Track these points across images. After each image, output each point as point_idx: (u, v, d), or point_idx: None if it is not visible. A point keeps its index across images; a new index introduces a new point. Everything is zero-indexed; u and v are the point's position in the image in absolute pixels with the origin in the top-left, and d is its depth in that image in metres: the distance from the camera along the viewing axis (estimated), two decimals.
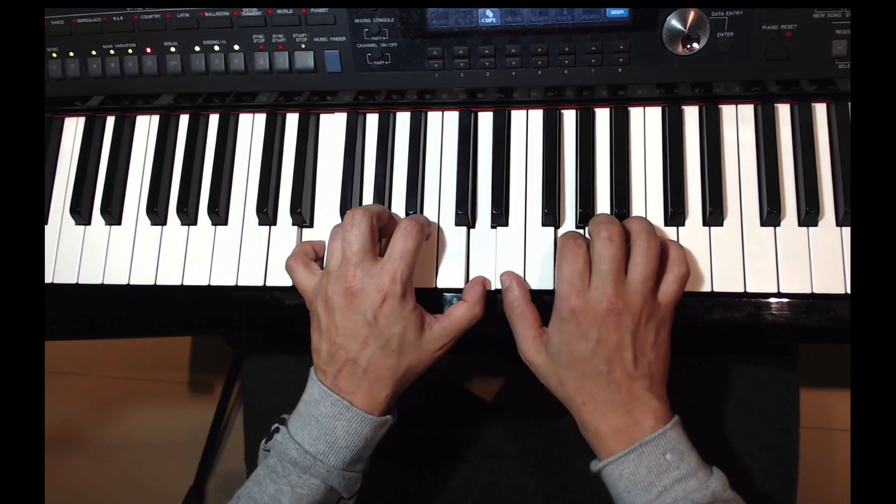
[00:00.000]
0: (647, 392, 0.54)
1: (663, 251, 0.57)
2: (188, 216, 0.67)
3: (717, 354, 0.74)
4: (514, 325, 0.59)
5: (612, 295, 0.53)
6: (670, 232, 0.62)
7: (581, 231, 0.62)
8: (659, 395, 0.55)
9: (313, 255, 0.62)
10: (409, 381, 0.59)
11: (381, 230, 0.60)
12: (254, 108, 0.69)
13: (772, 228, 0.61)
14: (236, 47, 0.64)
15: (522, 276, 0.62)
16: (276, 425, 0.59)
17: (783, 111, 0.64)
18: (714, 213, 0.61)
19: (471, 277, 0.62)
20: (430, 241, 0.63)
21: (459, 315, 0.59)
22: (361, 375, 0.56)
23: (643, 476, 0.52)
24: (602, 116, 0.65)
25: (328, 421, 0.55)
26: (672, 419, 0.54)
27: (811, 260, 0.60)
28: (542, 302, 0.59)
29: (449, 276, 0.63)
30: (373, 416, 0.56)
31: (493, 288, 0.62)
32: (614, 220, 0.56)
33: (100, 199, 0.68)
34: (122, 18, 0.64)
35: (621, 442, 0.53)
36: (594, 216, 0.58)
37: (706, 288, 0.60)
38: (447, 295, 0.63)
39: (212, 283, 0.65)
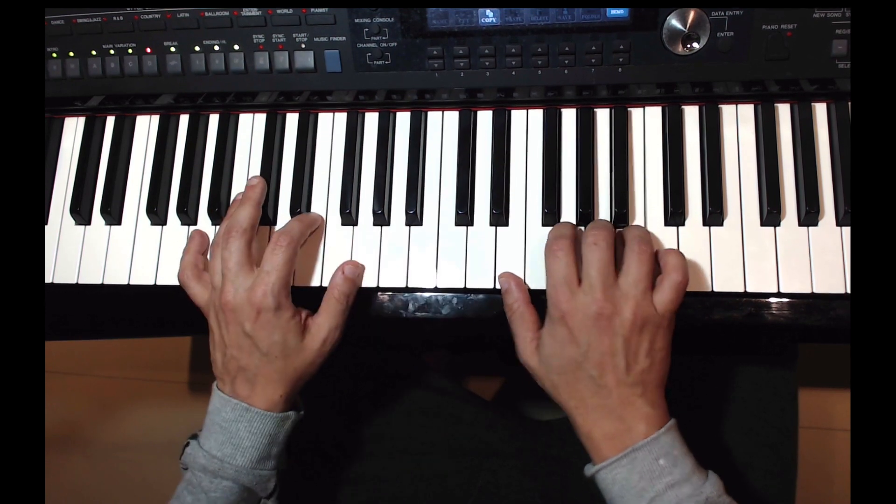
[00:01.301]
0: (639, 398, 0.54)
1: (662, 258, 0.56)
2: (188, 216, 0.67)
3: (717, 354, 0.74)
4: (513, 327, 0.59)
5: (602, 299, 0.53)
6: (670, 232, 0.62)
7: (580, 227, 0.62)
8: (652, 401, 0.54)
9: (202, 263, 0.64)
10: (305, 379, 0.60)
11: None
12: (254, 108, 0.69)
13: (772, 228, 0.61)
14: (236, 47, 0.64)
15: (522, 276, 0.62)
16: (186, 440, 0.60)
17: (783, 111, 0.64)
18: (714, 213, 0.61)
19: (470, 277, 0.62)
20: (429, 239, 0.63)
21: (326, 308, 0.60)
22: (253, 380, 0.58)
23: (636, 482, 0.52)
24: (602, 116, 0.65)
25: (230, 425, 0.58)
26: (666, 424, 0.54)
27: (811, 260, 0.60)
28: (542, 302, 0.59)
29: (449, 275, 0.63)
30: (273, 414, 0.58)
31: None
32: (604, 224, 0.57)
33: (100, 199, 0.68)
34: (122, 18, 0.64)
35: (613, 447, 0.53)
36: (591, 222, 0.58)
37: (706, 288, 0.60)
38: (447, 295, 0.63)
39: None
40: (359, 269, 0.63)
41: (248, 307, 0.57)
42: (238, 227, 0.59)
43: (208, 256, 0.63)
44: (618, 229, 0.60)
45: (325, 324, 0.59)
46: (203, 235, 0.65)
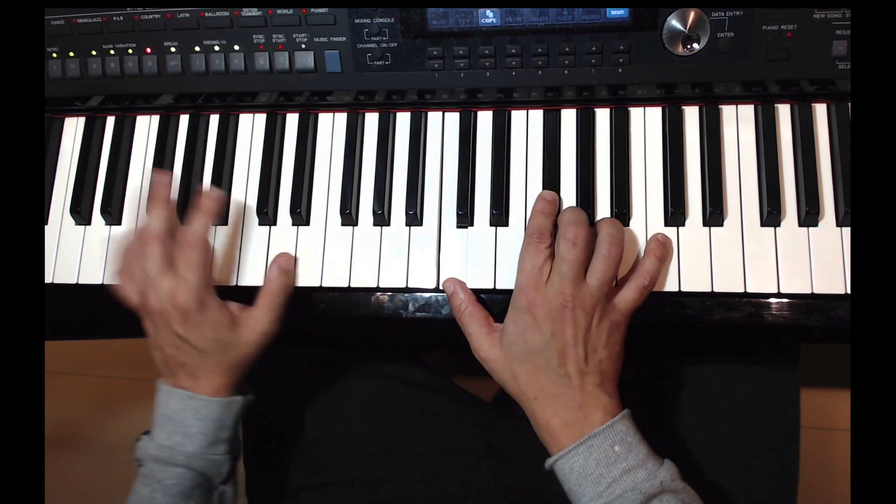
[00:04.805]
0: (597, 388, 0.56)
1: (638, 260, 0.59)
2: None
3: (718, 354, 0.74)
4: (465, 327, 0.60)
5: (569, 294, 0.56)
6: (670, 232, 0.62)
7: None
8: (609, 391, 0.57)
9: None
10: (247, 368, 0.62)
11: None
12: (254, 108, 0.69)
13: (772, 228, 0.61)
14: (236, 47, 0.64)
15: None
16: (138, 437, 0.62)
17: (783, 111, 0.64)
18: (714, 213, 0.61)
19: (470, 278, 0.62)
20: (429, 239, 0.63)
21: (264, 302, 0.61)
22: (194, 373, 0.60)
23: (593, 468, 0.53)
24: (602, 116, 0.65)
25: (177, 414, 0.60)
26: (621, 412, 0.56)
27: (811, 260, 0.60)
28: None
29: (449, 276, 0.63)
30: (218, 399, 0.60)
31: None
32: (582, 220, 0.58)
33: (100, 199, 0.68)
34: (122, 18, 0.64)
35: (571, 436, 0.55)
36: (564, 211, 0.60)
37: (706, 288, 0.60)
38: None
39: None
40: (292, 261, 0.64)
41: (174, 311, 0.58)
42: (151, 233, 0.60)
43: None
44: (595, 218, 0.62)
45: (262, 317, 0.61)
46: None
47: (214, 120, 0.70)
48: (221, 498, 0.62)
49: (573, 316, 0.55)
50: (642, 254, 0.61)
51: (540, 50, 0.61)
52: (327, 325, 0.78)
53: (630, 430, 0.55)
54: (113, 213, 0.68)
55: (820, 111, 0.63)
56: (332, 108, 0.68)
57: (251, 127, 0.69)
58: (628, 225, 0.62)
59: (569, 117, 0.66)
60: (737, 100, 0.64)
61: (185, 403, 0.60)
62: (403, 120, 0.67)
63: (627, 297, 0.58)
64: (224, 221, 0.67)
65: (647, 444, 0.55)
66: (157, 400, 0.61)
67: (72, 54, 0.66)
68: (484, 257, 0.63)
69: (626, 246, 0.59)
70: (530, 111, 0.66)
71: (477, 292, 0.62)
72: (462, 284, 0.62)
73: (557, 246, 0.57)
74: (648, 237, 0.62)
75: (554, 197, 0.62)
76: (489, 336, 0.59)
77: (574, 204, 0.63)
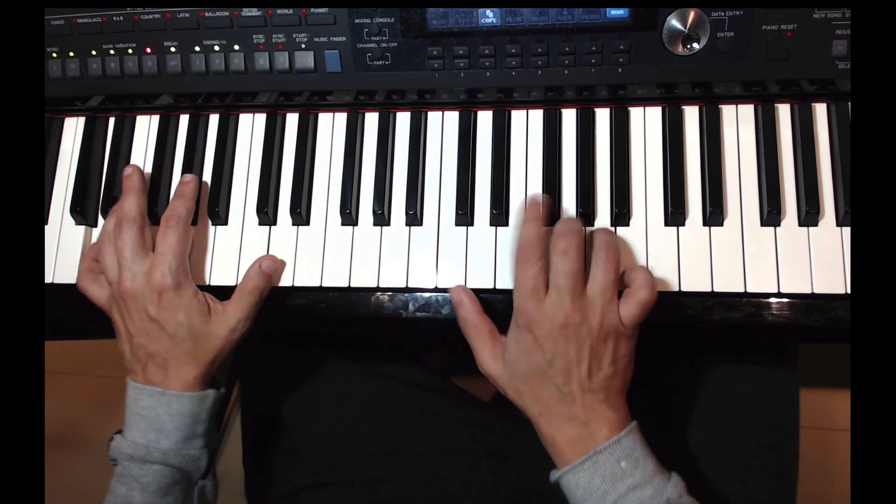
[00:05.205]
0: (602, 404, 0.54)
1: (629, 275, 0.57)
2: None
3: (717, 354, 0.74)
4: (469, 339, 0.59)
5: (570, 308, 0.54)
6: (670, 232, 0.62)
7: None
8: (615, 406, 0.55)
9: (97, 269, 0.64)
10: (217, 362, 0.61)
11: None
12: (254, 108, 0.69)
13: (772, 228, 0.61)
14: (236, 47, 0.64)
15: None
16: (111, 436, 0.61)
17: (783, 111, 0.64)
18: (714, 213, 0.61)
19: (470, 277, 0.62)
20: (429, 239, 0.63)
21: (238, 299, 0.61)
22: (164, 365, 0.59)
23: (598, 485, 0.52)
24: (602, 116, 0.65)
25: (149, 412, 0.59)
26: (628, 426, 0.54)
27: (811, 260, 0.60)
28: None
29: (449, 275, 0.63)
30: (190, 393, 0.59)
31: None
32: (572, 230, 0.56)
33: (100, 200, 0.68)
34: (122, 18, 0.64)
35: (576, 451, 0.54)
36: (557, 223, 0.57)
37: (706, 288, 0.60)
38: (447, 295, 0.63)
39: (211, 284, 0.65)
40: (276, 265, 0.63)
41: (149, 291, 0.58)
42: (127, 217, 0.60)
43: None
44: (587, 228, 0.61)
45: (235, 314, 0.60)
46: None
47: (214, 120, 0.70)
48: (202, 493, 0.62)
49: (576, 333, 0.54)
50: (639, 258, 0.61)
51: (540, 50, 0.61)
52: (327, 325, 0.78)
53: (637, 444, 0.54)
54: None
55: (820, 111, 0.63)
56: (332, 107, 0.68)
57: (251, 127, 0.69)
58: (628, 225, 0.62)
59: (569, 117, 0.66)
60: (737, 100, 0.64)
61: (156, 400, 0.59)
62: (403, 120, 0.67)
63: (630, 312, 0.55)
64: (224, 221, 0.67)
65: (655, 457, 0.54)
66: (128, 398, 0.61)
67: (72, 54, 0.66)
68: (484, 257, 0.63)
69: (623, 252, 0.59)
70: (530, 111, 0.66)
71: (477, 292, 0.62)
72: (469, 294, 0.60)
73: (550, 259, 0.55)
74: (649, 237, 0.62)
75: (544, 199, 0.60)
76: (493, 351, 0.58)
77: (574, 204, 0.63)
